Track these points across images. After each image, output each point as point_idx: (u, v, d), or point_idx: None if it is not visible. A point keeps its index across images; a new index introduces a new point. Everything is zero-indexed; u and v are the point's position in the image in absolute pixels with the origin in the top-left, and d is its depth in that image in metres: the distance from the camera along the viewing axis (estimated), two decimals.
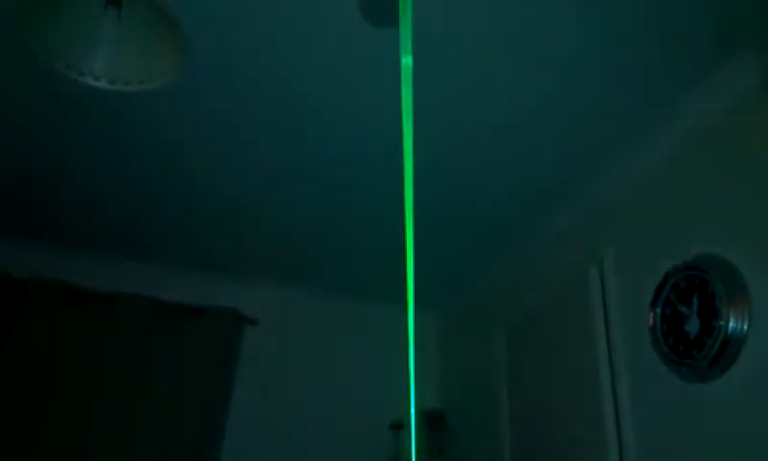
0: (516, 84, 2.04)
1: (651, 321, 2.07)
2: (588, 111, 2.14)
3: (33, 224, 3.00)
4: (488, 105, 2.13)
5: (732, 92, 1.93)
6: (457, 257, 3.16)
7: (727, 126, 1.96)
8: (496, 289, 3.21)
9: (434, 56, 1.90)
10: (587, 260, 2.46)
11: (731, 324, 1.77)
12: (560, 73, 1.97)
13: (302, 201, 2.75)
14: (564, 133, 2.25)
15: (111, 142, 2.39)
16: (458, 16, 1.77)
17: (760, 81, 1.83)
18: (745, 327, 1.75)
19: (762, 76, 1.82)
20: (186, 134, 2.35)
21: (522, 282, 2.98)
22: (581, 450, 2.31)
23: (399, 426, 3.21)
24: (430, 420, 3.32)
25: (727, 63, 1.89)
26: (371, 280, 3.40)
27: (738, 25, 1.76)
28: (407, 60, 0.84)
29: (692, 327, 1.90)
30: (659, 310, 2.05)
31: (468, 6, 1.73)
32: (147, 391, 2.99)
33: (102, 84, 1.32)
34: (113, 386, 2.93)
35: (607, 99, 2.07)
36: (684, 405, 1.93)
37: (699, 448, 1.85)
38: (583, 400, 2.34)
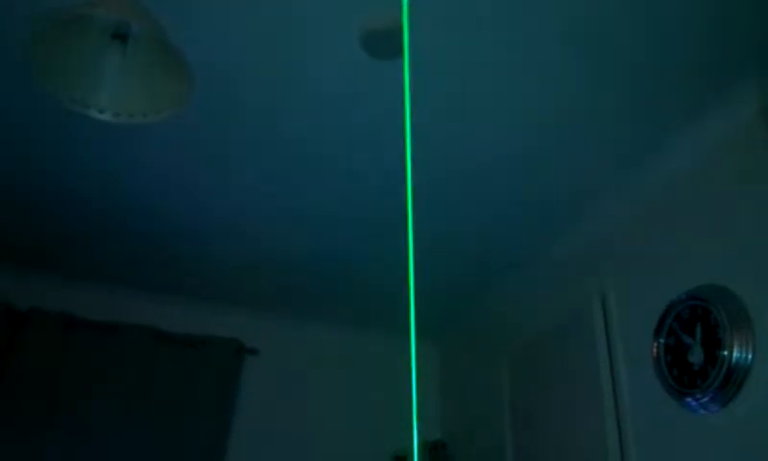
0: (515, 116, 2.05)
1: (655, 351, 2.05)
2: (588, 142, 2.15)
3: (33, 254, 3.00)
4: (487, 137, 2.14)
5: (731, 123, 1.94)
6: (459, 288, 3.15)
7: (727, 156, 1.97)
8: (498, 320, 3.19)
9: (435, 90, 1.92)
10: (589, 291, 2.45)
11: (734, 354, 1.75)
12: (559, 105, 1.99)
13: (303, 232, 2.75)
14: (565, 164, 2.26)
15: (113, 173, 2.40)
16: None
17: (759, 112, 1.84)
18: (749, 356, 1.74)
19: (761, 107, 1.83)
20: (188, 166, 2.36)
21: (524, 313, 2.96)
22: None
23: (402, 458, 3.17)
24: (432, 451, 3.28)
25: (726, 94, 1.91)
26: (372, 311, 3.39)
27: (738, 56, 1.78)
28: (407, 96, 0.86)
29: (696, 357, 1.88)
30: (662, 340, 2.03)
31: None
32: (148, 421, 2.96)
33: (106, 116, 1.33)
34: (114, 416, 2.90)
35: (607, 130, 2.09)
36: (688, 436, 1.91)
37: None
38: (586, 430, 2.31)
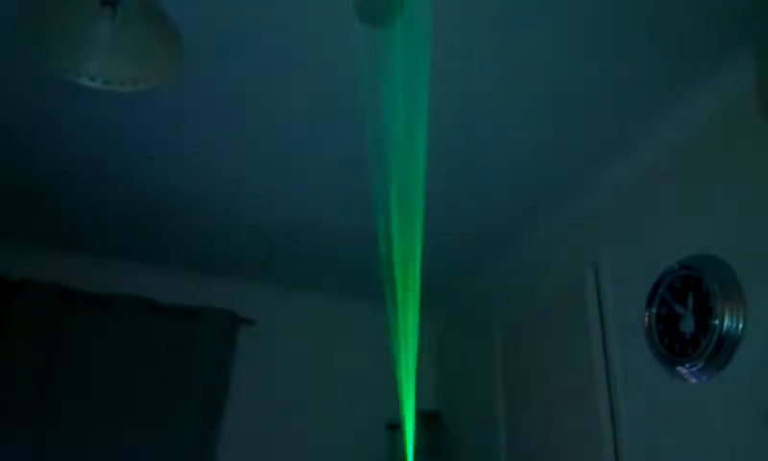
0: (515, 86, 2.04)
1: (647, 321, 2.07)
2: (585, 114, 2.14)
3: (28, 225, 2.99)
4: (487, 104, 2.13)
5: (726, 94, 1.93)
6: (455, 259, 3.16)
7: (722, 127, 1.97)
8: (494, 290, 3.21)
9: (433, 64, 1.90)
10: (583, 262, 2.47)
11: (725, 323, 1.77)
12: (559, 74, 1.98)
13: (299, 203, 2.75)
14: (562, 135, 2.25)
15: (108, 144, 2.39)
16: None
17: (755, 82, 1.83)
18: (740, 326, 1.76)
19: (757, 78, 1.83)
20: (178, 136, 2.34)
21: (520, 283, 2.98)
22: (577, 451, 2.32)
23: (396, 427, 3.21)
24: (426, 420, 3.32)
25: (722, 65, 1.90)
26: (369, 281, 3.39)
27: (735, 26, 1.77)
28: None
29: (687, 326, 1.90)
30: (654, 310, 2.05)
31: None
32: (144, 392, 2.98)
33: (97, 84, 1.31)
34: (110, 388, 2.92)
35: (604, 101, 2.08)
36: (679, 404, 1.94)
37: (694, 448, 1.86)
38: (579, 400, 2.34)
